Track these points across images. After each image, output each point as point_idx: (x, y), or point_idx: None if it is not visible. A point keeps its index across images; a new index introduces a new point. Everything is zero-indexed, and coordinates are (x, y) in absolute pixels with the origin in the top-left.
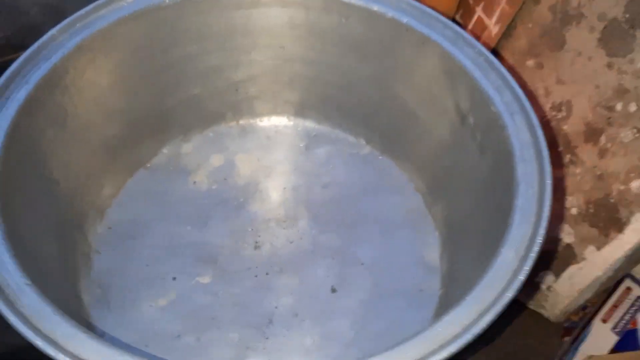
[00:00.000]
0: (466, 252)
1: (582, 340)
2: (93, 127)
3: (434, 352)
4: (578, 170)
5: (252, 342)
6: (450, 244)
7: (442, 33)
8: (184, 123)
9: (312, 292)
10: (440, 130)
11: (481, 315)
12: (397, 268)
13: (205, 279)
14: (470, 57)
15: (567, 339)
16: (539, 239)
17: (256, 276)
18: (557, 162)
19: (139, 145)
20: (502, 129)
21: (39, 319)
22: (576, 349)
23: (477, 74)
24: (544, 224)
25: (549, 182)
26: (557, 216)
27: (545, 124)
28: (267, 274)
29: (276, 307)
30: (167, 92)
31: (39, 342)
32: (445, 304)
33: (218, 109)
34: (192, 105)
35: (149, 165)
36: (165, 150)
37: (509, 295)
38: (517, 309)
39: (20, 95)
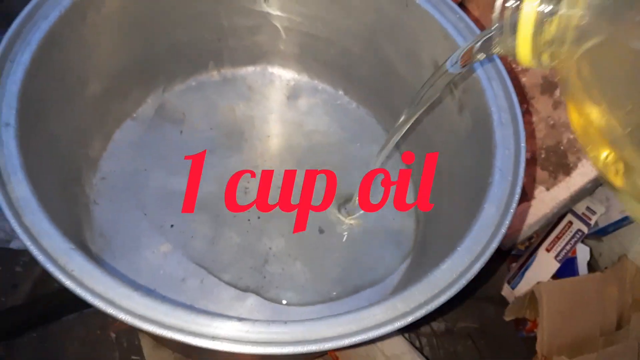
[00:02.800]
0: (444, 199)
1: (528, 267)
2: (85, 81)
3: (435, 296)
4: (533, 119)
5: (251, 281)
6: (421, 189)
7: None
8: (167, 72)
9: (302, 234)
10: (419, 86)
11: (472, 263)
12: (378, 212)
13: (202, 225)
14: (452, 22)
15: (514, 264)
16: (517, 196)
17: (249, 220)
18: None
19: (125, 96)
20: (481, 93)
21: (90, 281)
22: (523, 273)
23: (458, 39)
24: (519, 182)
25: (523, 145)
26: None
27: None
28: (258, 217)
29: (270, 248)
30: (154, 40)
31: (100, 304)
32: (422, 242)
33: (200, 58)
34: (175, 53)
35: (135, 115)
36: (149, 100)
37: (494, 245)
38: None
39: (25, 57)
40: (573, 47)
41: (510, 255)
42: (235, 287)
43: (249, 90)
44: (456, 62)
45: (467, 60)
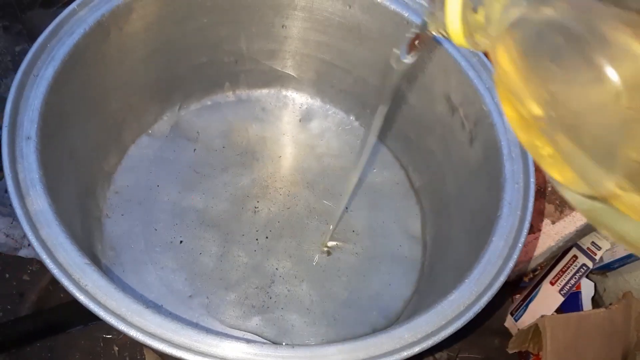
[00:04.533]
0: (452, 228)
1: (531, 299)
2: (106, 97)
3: (442, 328)
4: None
5: (257, 301)
6: (433, 218)
7: None
8: (184, 91)
9: (309, 255)
10: (431, 117)
11: (480, 296)
12: (385, 235)
13: (210, 243)
14: (465, 56)
15: (517, 296)
16: (525, 231)
17: (257, 240)
18: None
19: (143, 112)
20: (491, 126)
21: (103, 297)
22: (526, 306)
23: (471, 73)
24: (528, 217)
25: (532, 180)
26: None
27: None
28: (266, 237)
29: (277, 269)
30: (174, 60)
31: (111, 320)
32: (430, 271)
33: (217, 79)
34: (194, 73)
35: (150, 131)
36: (165, 117)
37: (502, 279)
38: None
39: (48, 72)
40: (500, 22)
41: (516, 287)
42: (241, 306)
43: (262, 111)
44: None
45: (411, 47)
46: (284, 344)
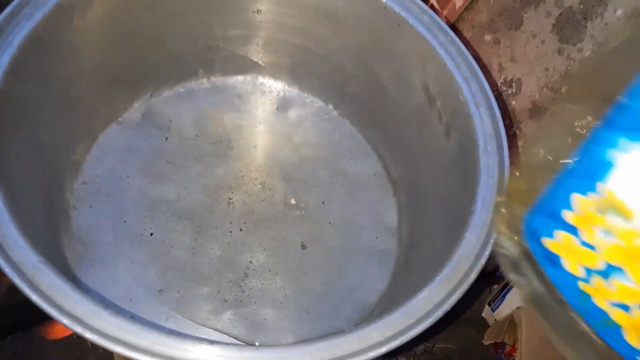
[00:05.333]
0: (427, 221)
1: (509, 289)
2: (70, 85)
3: (411, 326)
4: (521, 143)
5: (229, 295)
6: (409, 211)
7: (418, 17)
8: (156, 78)
9: (284, 248)
10: (409, 107)
11: (450, 293)
12: (361, 228)
13: (182, 235)
14: (444, 44)
15: (495, 286)
16: None
17: (231, 232)
18: None
19: (111, 100)
20: (468, 118)
21: (58, 297)
22: (504, 296)
23: (449, 62)
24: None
25: (506, 174)
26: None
27: (496, 97)
28: (240, 230)
29: (250, 262)
30: (144, 47)
31: (66, 321)
32: (405, 264)
33: (191, 66)
34: (165, 61)
35: (120, 120)
36: (136, 105)
37: (472, 277)
38: None
39: (4, 59)
40: None
41: (494, 277)
42: (213, 300)
43: (238, 99)
44: None
45: None
46: (256, 344)
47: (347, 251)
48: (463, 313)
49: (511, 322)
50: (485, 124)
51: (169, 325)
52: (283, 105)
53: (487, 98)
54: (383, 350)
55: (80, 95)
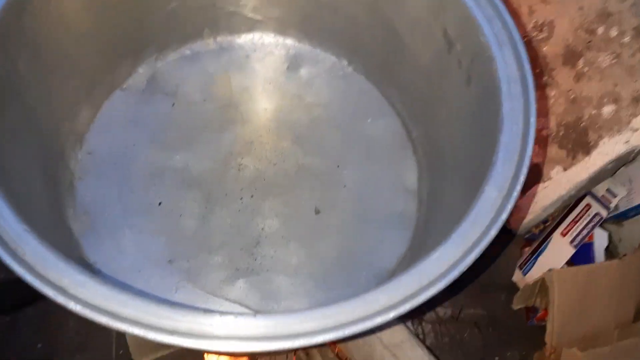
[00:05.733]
0: (447, 180)
1: (541, 252)
2: (66, 52)
3: (423, 289)
4: (553, 93)
5: (241, 263)
6: (429, 170)
7: None
8: (159, 41)
9: (297, 214)
10: (426, 56)
11: (466, 253)
12: (378, 190)
13: (192, 204)
14: None
15: (527, 249)
16: (522, 177)
17: (241, 199)
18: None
19: (113, 66)
20: (489, 61)
21: (43, 267)
22: (535, 259)
23: (468, 1)
24: (526, 162)
25: (533, 121)
26: None
27: (527, 44)
28: (251, 196)
29: (262, 229)
30: (142, 9)
31: (49, 291)
32: (425, 227)
33: (195, 26)
34: (168, 22)
35: (124, 86)
36: (140, 70)
37: (492, 233)
38: None
39: None
40: None
41: (524, 239)
42: (225, 269)
43: (246, 59)
44: None
45: None
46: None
47: (363, 215)
48: (491, 274)
49: (542, 285)
50: (509, 65)
51: (179, 295)
52: (294, 63)
53: (512, 37)
54: (391, 315)
55: (79, 63)
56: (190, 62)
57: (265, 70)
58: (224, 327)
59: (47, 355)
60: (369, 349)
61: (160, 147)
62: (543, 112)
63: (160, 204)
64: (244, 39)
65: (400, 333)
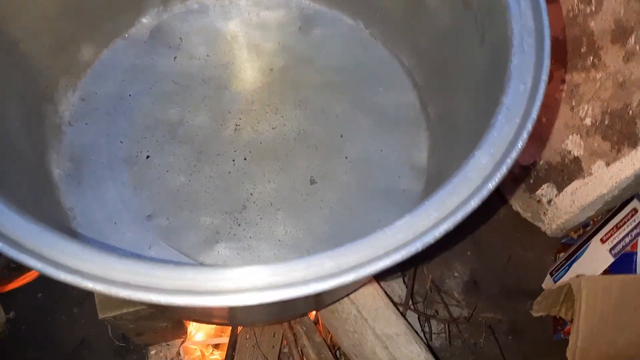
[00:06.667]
0: (455, 154)
1: (576, 258)
2: None
3: (378, 258)
4: (599, 75)
5: (223, 227)
6: (440, 146)
7: None
8: None
9: (290, 182)
10: (445, 15)
11: (436, 225)
12: (382, 165)
13: (181, 160)
14: None
15: (562, 254)
16: (520, 143)
17: (234, 160)
18: (577, 64)
19: (115, 11)
20: (503, 12)
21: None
22: (570, 265)
23: None
24: (529, 126)
25: (544, 79)
26: (569, 126)
27: (571, 19)
28: (245, 159)
29: (251, 194)
30: None
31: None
32: None
33: None
34: None
35: (127, 35)
36: (144, 20)
37: (473, 204)
38: (512, 218)
39: None
40: None
41: (560, 244)
42: (204, 231)
43: (256, 16)
44: None
45: None
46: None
47: (362, 190)
48: (518, 280)
49: (569, 293)
50: (524, 16)
51: (152, 253)
52: (307, 23)
53: None
54: (329, 284)
55: (74, 1)
56: (197, 15)
57: (276, 29)
58: (169, 276)
59: (46, 305)
60: (360, 337)
61: (156, 100)
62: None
63: (148, 157)
64: None
65: (396, 324)
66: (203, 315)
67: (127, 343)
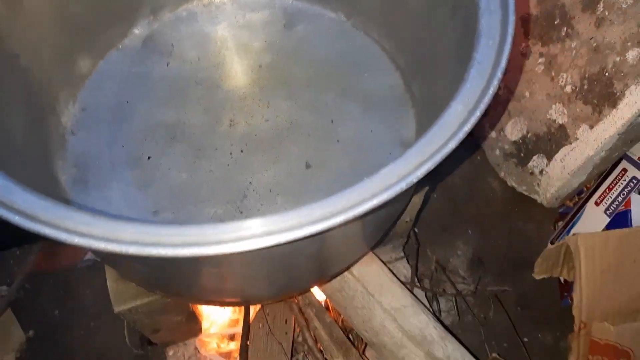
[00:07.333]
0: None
1: (574, 223)
2: (53, 5)
3: (365, 200)
4: (574, 44)
5: (227, 216)
6: (426, 121)
7: None
8: (154, 1)
9: (287, 169)
10: (428, 8)
11: (419, 166)
12: (373, 146)
13: (180, 158)
14: None
15: (560, 223)
16: (491, 90)
17: (231, 154)
18: (553, 36)
19: (108, 24)
20: None
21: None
22: (568, 231)
23: None
24: (498, 74)
25: (510, 32)
26: (551, 96)
27: None
28: (241, 151)
29: (250, 183)
30: None
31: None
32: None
33: None
34: None
35: (121, 46)
36: (136, 31)
37: (451, 145)
38: (509, 193)
39: None
40: None
41: (558, 214)
42: (208, 221)
43: (242, 18)
44: None
45: None
46: None
47: (356, 170)
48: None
49: (568, 253)
50: None
51: None
52: (291, 21)
53: None
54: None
55: (71, 18)
56: (186, 22)
57: (262, 28)
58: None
59: (63, 321)
60: (368, 312)
61: (153, 104)
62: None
63: (149, 158)
64: None
65: (402, 297)
66: (212, 291)
67: (145, 351)
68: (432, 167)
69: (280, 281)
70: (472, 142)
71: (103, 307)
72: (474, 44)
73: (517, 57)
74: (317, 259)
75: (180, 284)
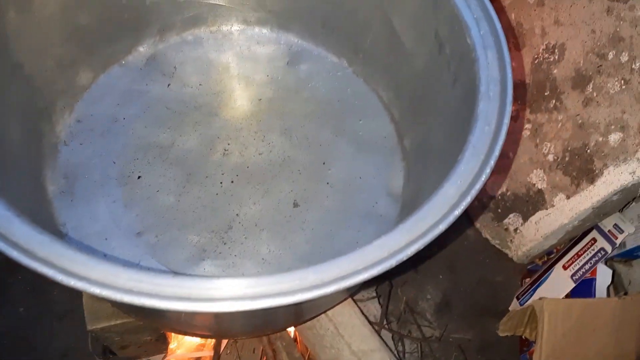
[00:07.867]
0: (427, 183)
1: (541, 283)
2: (63, 15)
3: (357, 272)
4: (561, 117)
5: (210, 245)
6: (414, 175)
7: None
8: (162, 22)
9: (275, 205)
10: (421, 57)
11: (409, 244)
12: (361, 191)
13: (171, 181)
14: None
15: (527, 280)
16: (484, 177)
17: (221, 183)
18: (541, 106)
19: (114, 39)
20: (473, 62)
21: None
22: (534, 290)
23: (459, 1)
24: (492, 162)
25: (506, 122)
26: (533, 161)
27: (537, 66)
28: (232, 182)
29: (237, 215)
30: None
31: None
32: None
33: (200, 12)
34: (172, 4)
35: (124, 62)
36: (141, 49)
37: (441, 228)
38: (482, 244)
39: None
40: None
41: (527, 270)
42: (191, 249)
43: (247, 50)
44: None
45: None
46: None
47: (342, 214)
48: (488, 302)
49: (532, 314)
50: (491, 67)
51: None
52: (295, 59)
53: (498, 40)
54: (313, 294)
55: (77, 29)
56: (192, 46)
57: (266, 62)
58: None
59: (28, 319)
60: (336, 353)
61: (149, 123)
62: (550, 136)
63: (139, 177)
64: (248, 31)
65: (371, 340)
66: (189, 326)
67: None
68: (421, 247)
69: (255, 324)
70: None
71: (69, 308)
72: (470, 126)
73: None
74: (297, 308)
75: (157, 317)
